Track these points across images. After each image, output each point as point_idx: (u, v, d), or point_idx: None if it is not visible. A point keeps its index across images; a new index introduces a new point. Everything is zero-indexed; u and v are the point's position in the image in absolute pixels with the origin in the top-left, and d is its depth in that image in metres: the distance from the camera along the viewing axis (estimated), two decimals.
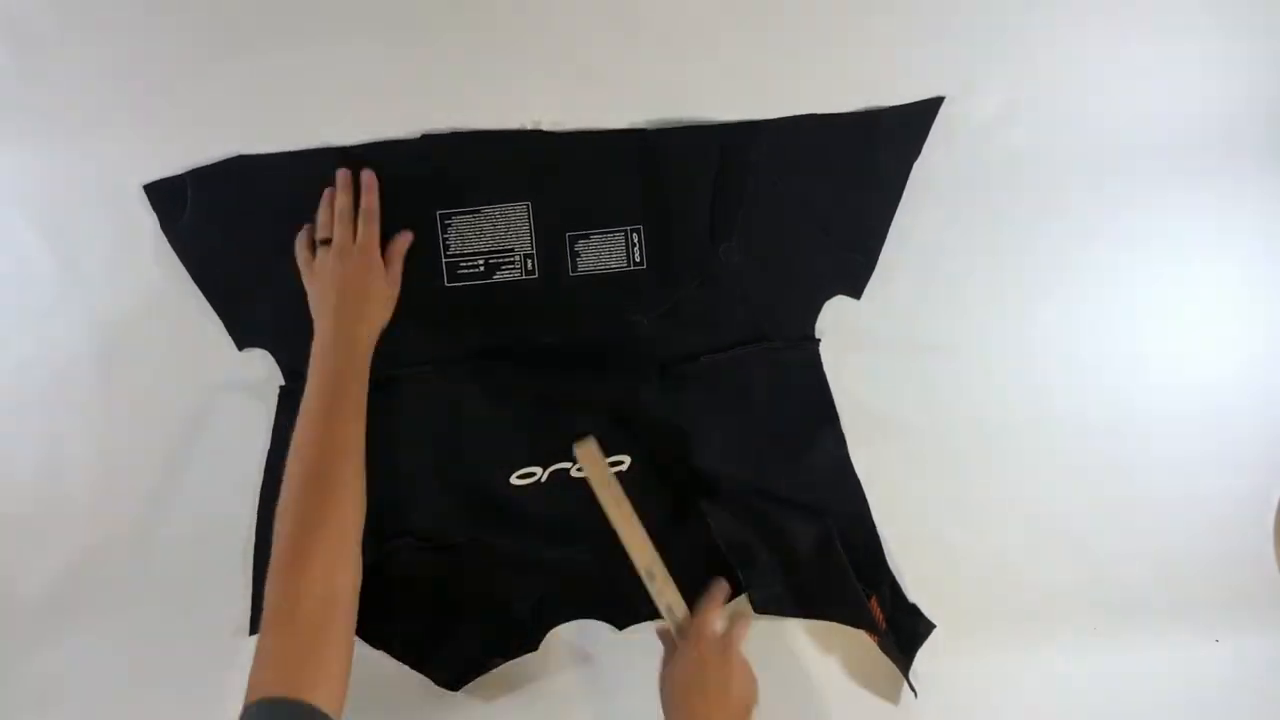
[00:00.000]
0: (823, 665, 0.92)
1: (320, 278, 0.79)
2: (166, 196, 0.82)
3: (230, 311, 0.84)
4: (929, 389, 0.91)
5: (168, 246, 0.84)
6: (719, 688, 0.75)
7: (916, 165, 0.89)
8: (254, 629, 0.84)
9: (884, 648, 0.89)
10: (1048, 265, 0.92)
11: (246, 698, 0.62)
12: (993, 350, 0.92)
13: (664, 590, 0.81)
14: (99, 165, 0.83)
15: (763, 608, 0.87)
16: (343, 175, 0.81)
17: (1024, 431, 0.92)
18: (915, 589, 0.91)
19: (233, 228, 0.83)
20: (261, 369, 0.85)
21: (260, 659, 0.64)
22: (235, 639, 0.86)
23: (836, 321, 0.90)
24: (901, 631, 0.89)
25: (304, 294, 0.80)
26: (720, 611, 0.81)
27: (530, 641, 0.88)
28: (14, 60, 0.81)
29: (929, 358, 0.91)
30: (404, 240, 0.82)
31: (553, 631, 0.89)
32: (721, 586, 0.83)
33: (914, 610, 0.90)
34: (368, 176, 0.81)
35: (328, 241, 0.79)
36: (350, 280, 0.77)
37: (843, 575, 0.86)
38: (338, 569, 0.69)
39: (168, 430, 0.86)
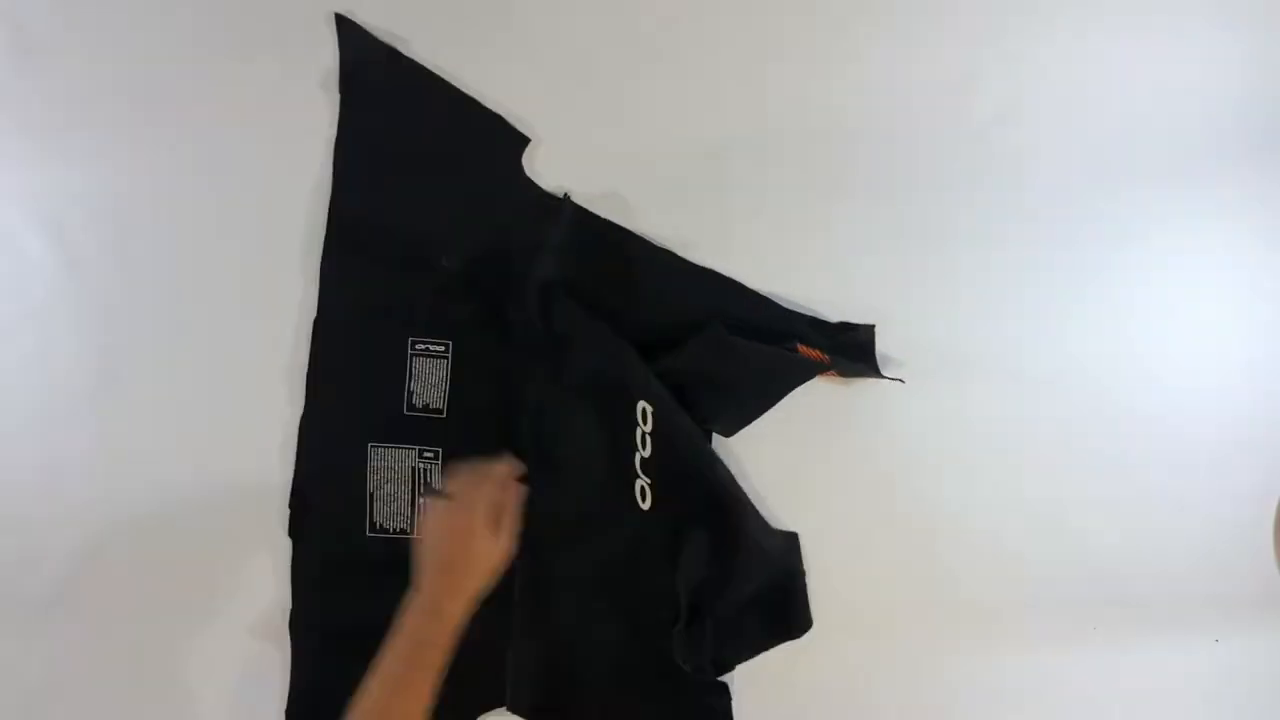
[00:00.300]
0: (824, 663, 0.92)
1: (435, 537, 0.75)
2: (358, 45, 0.84)
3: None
4: (928, 388, 0.91)
5: (167, 245, 0.84)
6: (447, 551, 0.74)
7: (916, 165, 0.89)
8: None
9: (844, 372, 0.88)
10: (1047, 265, 0.92)
11: None
12: (992, 349, 0.92)
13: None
14: (100, 164, 0.83)
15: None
16: (512, 464, 0.81)
17: (1023, 431, 0.92)
18: (915, 588, 0.92)
19: (390, 119, 0.85)
20: (263, 368, 0.86)
21: None
22: (235, 638, 0.86)
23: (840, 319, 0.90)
24: (846, 349, 0.88)
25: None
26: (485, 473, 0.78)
27: None
28: (14, 59, 0.81)
29: (928, 357, 0.91)
30: (515, 492, 0.79)
31: None
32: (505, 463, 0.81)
33: (844, 326, 0.89)
34: (519, 487, 0.79)
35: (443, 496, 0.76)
36: (467, 550, 0.74)
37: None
38: None
39: (168, 430, 0.85)
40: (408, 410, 0.86)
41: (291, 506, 0.85)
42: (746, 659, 0.87)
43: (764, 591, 0.87)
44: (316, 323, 0.86)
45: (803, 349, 0.87)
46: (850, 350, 0.89)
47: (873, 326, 0.89)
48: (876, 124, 0.90)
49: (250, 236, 0.86)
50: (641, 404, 0.85)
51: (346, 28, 0.85)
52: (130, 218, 0.83)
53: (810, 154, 0.90)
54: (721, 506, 0.86)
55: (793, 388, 0.88)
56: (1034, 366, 0.92)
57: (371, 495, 0.86)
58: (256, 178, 0.86)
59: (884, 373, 0.89)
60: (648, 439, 0.86)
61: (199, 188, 0.85)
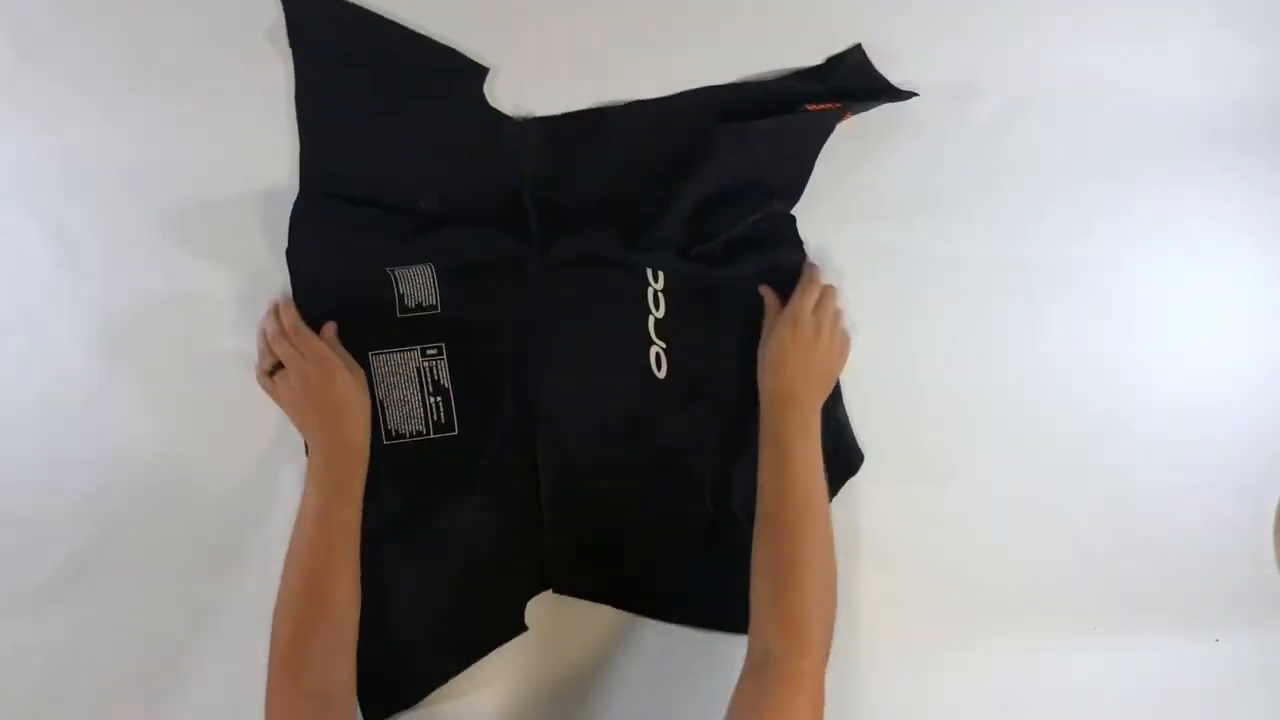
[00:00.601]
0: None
1: (293, 399, 0.80)
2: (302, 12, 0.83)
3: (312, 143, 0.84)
4: (928, 388, 0.91)
5: (167, 244, 0.84)
6: (801, 363, 0.82)
7: (915, 165, 0.89)
8: None
9: (860, 110, 0.87)
10: (1047, 264, 0.92)
11: None
12: (992, 349, 0.92)
13: None
14: (100, 162, 0.83)
15: None
16: (269, 303, 0.83)
17: (1023, 430, 0.93)
18: (915, 588, 0.92)
19: (342, 64, 0.84)
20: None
21: None
22: (235, 638, 0.86)
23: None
24: (850, 88, 0.87)
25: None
26: (812, 292, 0.85)
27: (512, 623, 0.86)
28: (15, 53, 0.81)
29: (928, 357, 0.91)
30: (330, 330, 0.82)
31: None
32: (814, 270, 0.87)
33: (833, 61, 0.88)
34: (277, 300, 0.83)
35: (279, 366, 0.80)
36: (319, 391, 0.78)
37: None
38: (336, 666, 0.72)
39: (168, 429, 0.85)
40: (401, 313, 0.85)
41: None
42: None
43: None
44: (293, 274, 0.84)
45: (811, 107, 0.85)
46: (853, 81, 0.87)
47: (858, 46, 0.88)
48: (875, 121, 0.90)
49: (253, 229, 0.85)
50: (649, 268, 0.87)
51: None
52: (131, 215, 0.83)
53: None
54: (738, 371, 0.87)
55: (821, 144, 0.87)
56: (1032, 365, 0.92)
57: (382, 403, 0.85)
58: (257, 168, 0.85)
59: (897, 87, 0.87)
60: (660, 297, 0.87)
61: (199, 185, 0.85)
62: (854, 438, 0.90)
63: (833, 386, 0.86)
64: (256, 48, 0.83)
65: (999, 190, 0.91)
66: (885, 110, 0.88)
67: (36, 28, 0.81)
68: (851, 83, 0.87)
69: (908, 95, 0.87)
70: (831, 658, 0.89)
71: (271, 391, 0.82)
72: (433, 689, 0.85)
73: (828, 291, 0.86)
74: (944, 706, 0.92)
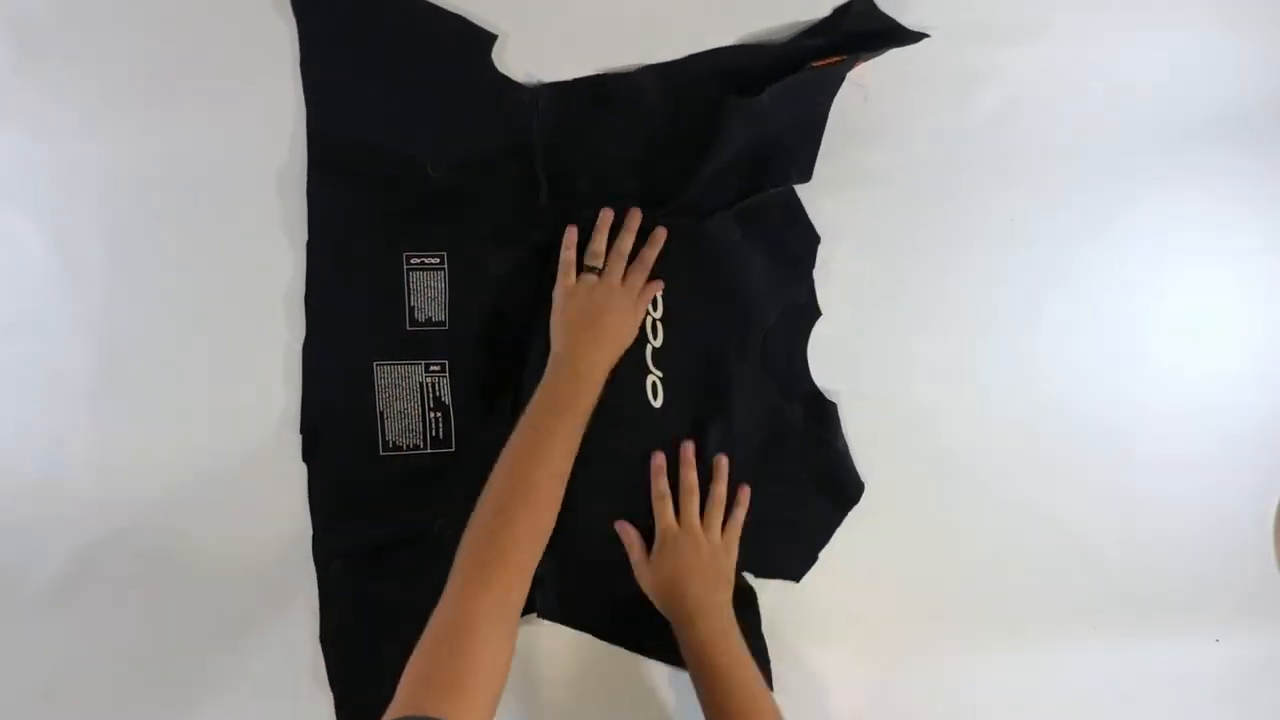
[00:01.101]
0: (824, 663, 0.92)
1: (580, 301, 0.82)
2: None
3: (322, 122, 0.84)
4: (928, 388, 0.91)
5: (168, 242, 0.84)
6: (695, 573, 0.82)
7: (916, 165, 0.89)
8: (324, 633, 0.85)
9: (870, 57, 0.86)
10: (1047, 264, 0.92)
11: (393, 710, 0.62)
12: (992, 348, 0.92)
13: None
14: (100, 162, 0.83)
15: None
16: (632, 216, 0.85)
17: (1023, 430, 0.93)
18: (914, 588, 0.92)
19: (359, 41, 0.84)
20: (267, 363, 0.85)
21: (417, 674, 0.64)
22: (235, 637, 0.86)
23: (837, 318, 0.90)
24: (856, 35, 0.85)
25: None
26: (664, 509, 0.84)
27: None
28: (14, 53, 0.81)
29: (927, 357, 0.91)
30: (656, 288, 0.85)
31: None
32: (659, 482, 0.86)
33: (838, 11, 0.86)
34: (660, 232, 0.85)
35: (594, 270, 0.83)
36: (609, 313, 0.81)
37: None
38: (513, 594, 0.71)
39: (168, 430, 0.85)
40: (410, 326, 0.86)
41: (303, 434, 0.85)
42: (821, 544, 0.89)
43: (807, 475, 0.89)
44: (309, 246, 0.84)
45: (817, 64, 0.84)
46: (859, 26, 0.86)
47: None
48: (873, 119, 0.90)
49: (254, 229, 0.85)
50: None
51: None
52: (132, 215, 0.83)
53: None
54: (734, 402, 0.87)
55: (830, 101, 0.87)
56: (1032, 365, 0.92)
57: (382, 414, 0.86)
58: (258, 168, 0.85)
59: (906, 28, 0.86)
60: (659, 326, 0.86)
61: (200, 182, 0.85)
62: (854, 468, 0.89)
63: (732, 581, 0.84)
64: (257, 47, 0.83)
65: (998, 189, 0.91)
66: (885, 109, 0.88)
67: (36, 28, 0.81)
68: (858, 28, 0.86)
69: (918, 37, 0.86)
70: (834, 659, 0.90)
71: (565, 285, 0.83)
72: None
73: (681, 502, 0.85)
74: (944, 706, 0.92)
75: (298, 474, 0.86)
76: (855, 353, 0.90)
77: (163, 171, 0.84)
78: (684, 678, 0.88)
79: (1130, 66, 0.91)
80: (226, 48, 0.83)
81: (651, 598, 0.84)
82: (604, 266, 0.83)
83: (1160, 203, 0.92)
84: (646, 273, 0.84)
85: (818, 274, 0.90)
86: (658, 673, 0.89)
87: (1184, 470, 0.94)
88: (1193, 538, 0.95)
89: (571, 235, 0.84)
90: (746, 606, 0.88)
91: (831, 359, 0.89)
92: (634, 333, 0.83)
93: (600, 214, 0.85)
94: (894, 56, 0.86)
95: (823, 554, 0.90)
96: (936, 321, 0.91)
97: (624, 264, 0.84)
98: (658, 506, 0.85)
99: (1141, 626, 0.95)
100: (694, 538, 0.83)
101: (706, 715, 0.78)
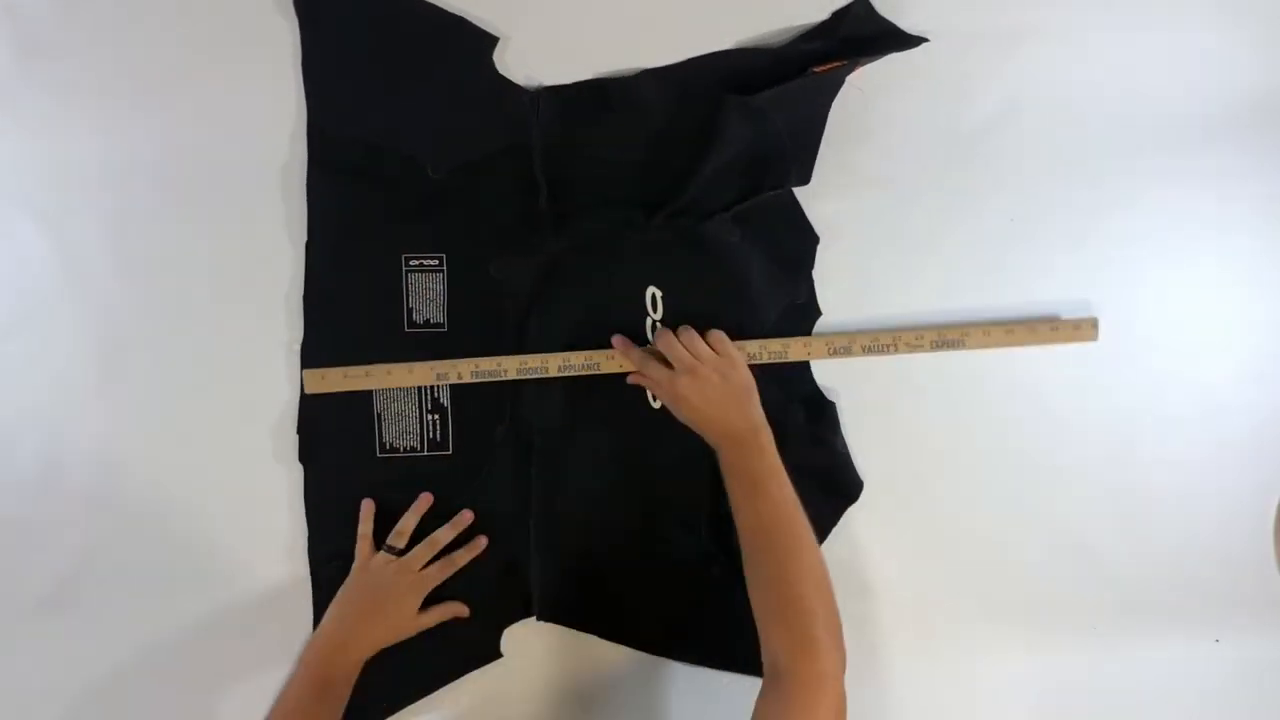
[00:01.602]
0: None
1: (368, 578, 0.82)
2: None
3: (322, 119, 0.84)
4: (928, 388, 0.91)
5: (168, 242, 0.84)
6: (715, 400, 0.80)
7: (915, 166, 0.89)
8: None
9: (868, 61, 0.86)
10: (1047, 265, 0.92)
11: None
12: (992, 349, 0.92)
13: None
14: (101, 161, 0.83)
15: None
16: (461, 517, 0.86)
17: (1023, 430, 0.93)
18: (914, 588, 0.92)
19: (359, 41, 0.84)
20: (266, 364, 0.85)
21: None
22: (231, 638, 0.86)
23: (837, 318, 0.90)
24: (855, 39, 0.86)
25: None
26: (668, 341, 0.82)
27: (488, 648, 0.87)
28: (14, 53, 0.81)
29: (927, 356, 0.91)
30: (455, 609, 0.85)
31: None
32: (660, 331, 0.84)
33: (838, 15, 0.86)
34: (480, 540, 0.86)
35: (396, 551, 0.83)
36: (392, 599, 0.81)
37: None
38: None
39: (168, 430, 0.85)
40: (408, 328, 0.86)
41: (300, 434, 0.85)
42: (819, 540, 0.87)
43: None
44: (308, 246, 0.85)
45: (818, 69, 0.84)
46: (859, 31, 0.86)
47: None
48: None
49: (254, 229, 0.85)
50: (651, 289, 0.86)
51: None
52: (132, 215, 0.83)
53: None
54: None
55: (829, 104, 0.87)
56: (1032, 365, 0.92)
57: (379, 415, 0.86)
58: (258, 167, 0.85)
59: (905, 32, 0.86)
60: (658, 327, 0.87)
61: (200, 182, 0.85)
62: (853, 467, 0.89)
63: (754, 391, 0.82)
64: (258, 46, 0.83)
65: (998, 189, 0.91)
66: (885, 111, 0.89)
67: (36, 28, 0.81)
68: (857, 32, 0.86)
69: (917, 41, 0.86)
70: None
71: (362, 554, 0.83)
72: (400, 708, 0.86)
73: (679, 332, 0.83)
74: (944, 706, 0.92)
75: (294, 475, 0.86)
76: (855, 360, 0.90)
77: (163, 171, 0.84)
78: (685, 677, 0.89)
79: (1130, 67, 0.91)
80: (227, 47, 0.84)
81: (695, 428, 0.82)
82: (403, 550, 0.83)
83: (1160, 202, 0.92)
84: (451, 570, 0.84)
85: (817, 274, 0.90)
86: (659, 673, 0.89)
87: (1184, 471, 0.94)
88: (1193, 538, 0.95)
89: (369, 509, 0.85)
90: (834, 433, 0.89)
91: (832, 359, 0.89)
92: (413, 631, 0.82)
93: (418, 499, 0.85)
94: (893, 59, 0.86)
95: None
96: (936, 321, 0.91)
97: (429, 555, 0.83)
98: (642, 365, 0.83)
99: (1141, 626, 0.95)
100: (693, 363, 0.80)
101: (742, 540, 0.78)
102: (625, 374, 0.86)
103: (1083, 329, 0.90)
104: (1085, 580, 0.94)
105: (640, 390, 0.87)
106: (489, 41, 0.84)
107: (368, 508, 0.85)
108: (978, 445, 0.92)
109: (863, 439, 0.91)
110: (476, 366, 0.85)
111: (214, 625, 0.86)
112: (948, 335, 0.89)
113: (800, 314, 0.90)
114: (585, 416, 0.87)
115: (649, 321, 0.87)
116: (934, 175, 0.90)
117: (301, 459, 0.85)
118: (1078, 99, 0.91)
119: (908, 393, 0.91)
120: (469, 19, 0.84)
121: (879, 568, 0.91)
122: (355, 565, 0.83)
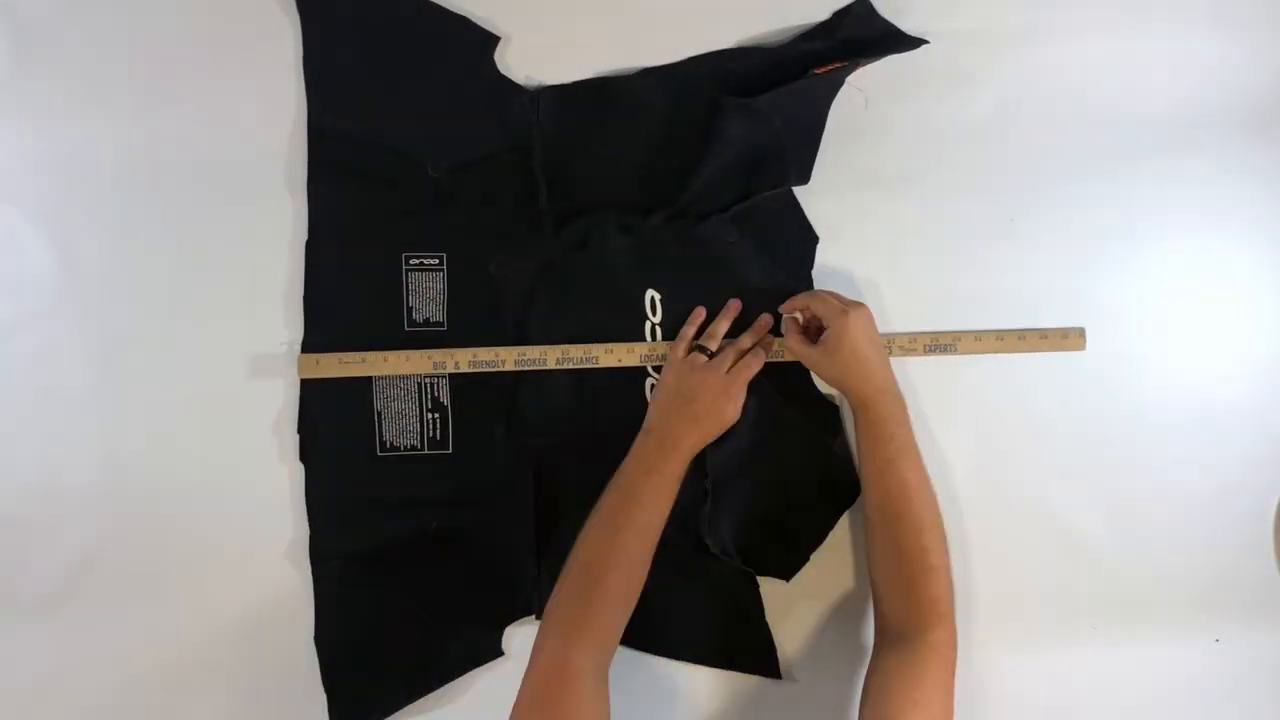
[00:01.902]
0: (824, 663, 0.92)
1: (689, 376, 0.83)
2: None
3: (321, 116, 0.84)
4: (928, 388, 0.91)
5: (168, 241, 0.84)
6: (873, 346, 0.82)
7: (915, 166, 0.89)
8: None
9: (868, 62, 0.86)
10: (1046, 265, 0.92)
11: None
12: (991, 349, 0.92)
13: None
14: (100, 161, 0.83)
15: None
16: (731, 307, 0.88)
17: (1023, 430, 0.93)
18: None
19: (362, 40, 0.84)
20: (266, 364, 0.85)
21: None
22: (231, 637, 0.86)
23: None
24: (856, 40, 0.86)
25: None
26: (818, 299, 0.84)
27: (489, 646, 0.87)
28: (12, 52, 0.81)
29: (926, 356, 0.91)
30: (759, 364, 0.85)
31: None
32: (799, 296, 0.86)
33: (839, 14, 0.86)
34: (765, 320, 0.88)
35: (707, 352, 0.84)
36: (712, 394, 0.82)
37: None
38: (605, 653, 0.75)
39: (168, 429, 0.85)
40: (409, 326, 0.86)
41: (300, 433, 0.85)
42: (816, 545, 0.88)
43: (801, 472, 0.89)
44: (308, 245, 0.85)
45: (818, 71, 0.84)
46: (858, 32, 0.86)
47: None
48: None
49: (254, 229, 0.85)
50: (650, 292, 0.87)
51: None
52: (132, 215, 0.83)
53: None
54: None
55: (829, 104, 0.87)
56: (1032, 366, 0.92)
57: (380, 414, 0.86)
58: (259, 167, 0.85)
59: (905, 33, 0.86)
60: (658, 330, 0.87)
61: (200, 181, 0.85)
62: (853, 468, 0.89)
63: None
64: (259, 45, 0.84)
65: (998, 189, 0.91)
66: (884, 111, 0.89)
67: (36, 28, 0.81)
68: (857, 33, 0.86)
69: (917, 42, 0.86)
70: (836, 659, 0.90)
71: (678, 357, 0.85)
72: (401, 707, 0.86)
73: (815, 294, 0.85)
74: None
75: (294, 475, 0.86)
76: None
77: (163, 170, 0.84)
78: (688, 677, 0.89)
79: (1129, 67, 0.91)
80: (228, 47, 0.84)
81: (836, 383, 0.86)
82: (715, 352, 0.85)
83: (1159, 202, 0.92)
84: (754, 371, 0.84)
85: (817, 274, 0.90)
86: (658, 671, 0.89)
87: (1184, 470, 0.94)
88: (1193, 538, 0.95)
89: (699, 314, 0.87)
90: (747, 591, 0.88)
91: None
92: (732, 417, 0.83)
93: (729, 306, 0.87)
94: (893, 59, 0.86)
95: (821, 555, 0.89)
96: (936, 321, 0.91)
97: (738, 354, 0.85)
98: (810, 299, 0.84)
99: (1141, 626, 0.95)
100: (842, 308, 0.81)
101: (872, 507, 0.82)
102: (623, 371, 0.86)
103: (1070, 338, 0.92)
104: (1085, 580, 0.94)
105: (639, 389, 0.87)
106: (491, 40, 0.84)
107: (698, 313, 0.87)
108: (976, 446, 0.92)
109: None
110: (475, 356, 0.85)
111: (214, 625, 0.86)
112: (940, 340, 0.90)
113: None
114: (585, 416, 0.88)
115: (649, 325, 0.88)
116: (934, 175, 0.90)
117: (301, 458, 0.85)
118: (1077, 100, 0.91)
119: (908, 393, 0.91)
120: (471, 18, 0.84)
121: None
122: (670, 361, 0.85)
